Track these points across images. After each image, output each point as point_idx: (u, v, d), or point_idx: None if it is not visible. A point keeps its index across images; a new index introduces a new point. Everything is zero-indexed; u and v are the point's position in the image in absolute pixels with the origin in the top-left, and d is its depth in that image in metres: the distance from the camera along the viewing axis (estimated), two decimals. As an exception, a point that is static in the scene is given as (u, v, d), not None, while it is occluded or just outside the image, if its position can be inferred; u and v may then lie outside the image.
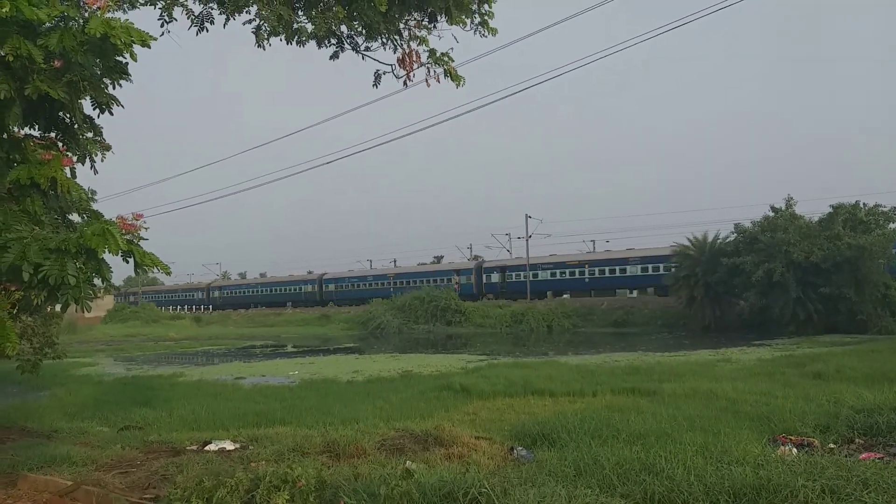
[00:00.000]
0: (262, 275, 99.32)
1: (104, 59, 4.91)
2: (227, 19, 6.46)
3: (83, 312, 5.25)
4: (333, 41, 6.99)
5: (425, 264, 73.70)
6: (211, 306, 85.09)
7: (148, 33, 4.76)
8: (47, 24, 4.65)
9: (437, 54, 6.92)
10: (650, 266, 51.35)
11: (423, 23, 6.99)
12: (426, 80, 7.02)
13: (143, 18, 6.13)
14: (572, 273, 56.62)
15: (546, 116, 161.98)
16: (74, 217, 6.22)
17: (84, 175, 6.31)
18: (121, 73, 5.18)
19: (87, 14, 4.81)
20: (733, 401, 11.07)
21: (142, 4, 6.25)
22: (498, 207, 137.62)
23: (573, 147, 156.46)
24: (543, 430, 8.59)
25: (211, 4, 6.46)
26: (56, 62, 4.80)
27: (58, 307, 6.98)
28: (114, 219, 5.13)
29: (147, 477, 7.01)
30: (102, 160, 5.93)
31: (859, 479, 5.12)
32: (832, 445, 7.70)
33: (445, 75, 6.96)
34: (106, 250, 4.64)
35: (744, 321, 40.86)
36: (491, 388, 14.51)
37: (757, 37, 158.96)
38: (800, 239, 35.59)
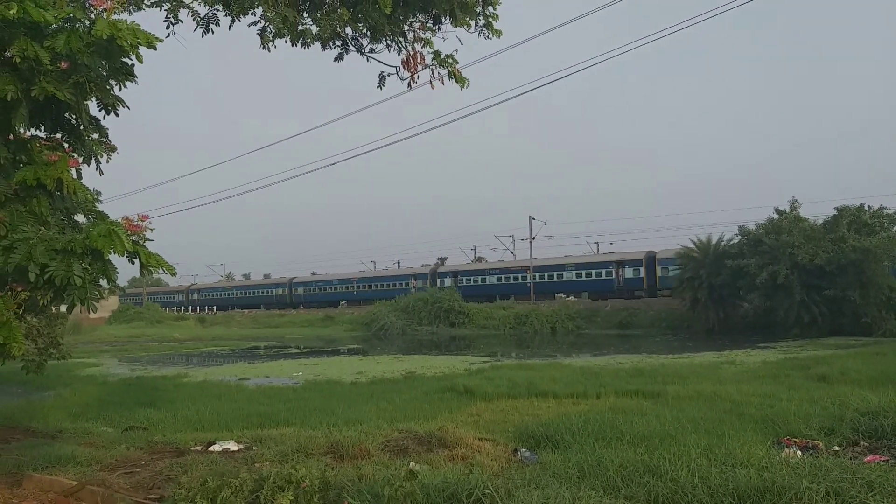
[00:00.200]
0: (246, 276, 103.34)
1: (110, 60, 4.94)
2: (233, 21, 6.49)
3: (88, 313, 5.28)
4: (338, 43, 7.01)
5: (387, 269, 77.38)
6: (189, 308, 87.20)
7: (154, 35, 4.78)
8: (54, 26, 4.67)
9: (442, 56, 6.93)
10: (584, 272, 55.70)
11: (428, 25, 7.00)
12: (430, 82, 7.04)
13: (149, 20, 6.16)
14: (517, 278, 60.04)
15: (548, 116, 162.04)
16: (80, 218, 6.25)
17: (89, 176, 6.33)
18: (127, 74, 5.20)
19: (93, 16, 4.83)
20: (737, 403, 11.05)
21: (147, 6, 6.29)
22: (503, 209, 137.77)
23: (577, 147, 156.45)
24: (547, 432, 8.59)
25: (216, 6, 6.49)
26: (62, 63, 4.83)
27: (63, 308, 7.02)
28: (119, 220, 5.15)
29: (151, 477, 7.02)
30: (108, 161, 5.95)
31: (864, 481, 5.10)
32: (837, 448, 7.67)
33: (450, 77, 6.98)
34: (112, 251, 4.65)
35: (748, 323, 40.75)
36: (494, 389, 14.50)
37: (759, 37, 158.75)
38: (804, 241, 35.49)
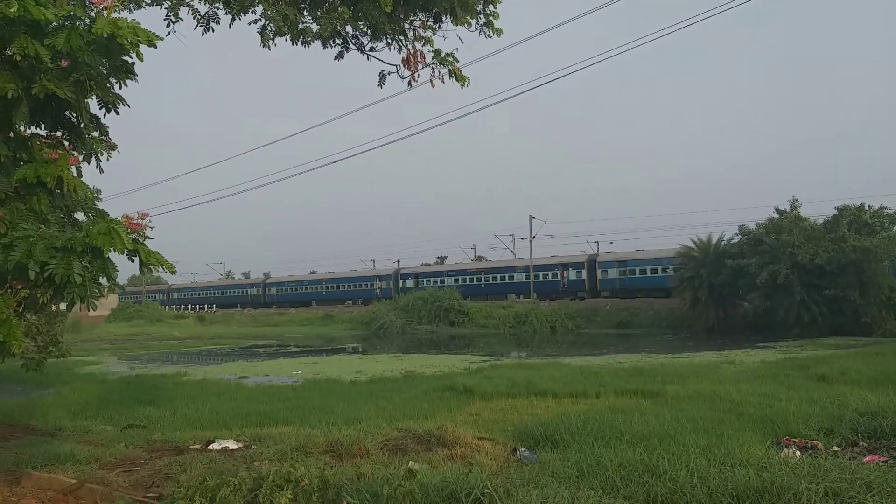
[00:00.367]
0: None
1: (111, 58, 4.92)
2: (233, 19, 6.48)
3: (88, 311, 5.28)
4: (338, 41, 7.01)
5: (355, 271, 79.99)
6: (169, 307, 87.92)
7: (154, 33, 4.78)
8: (54, 24, 4.66)
9: (442, 55, 6.92)
10: (536, 274, 58.60)
11: (428, 23, 6.99)
12: (431, 81, 7.03)
13: (149, 18, 6.15)
14: (471, 279, 63.24)
15: (549, 114, 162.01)
16: (80, 216, 6.25)
17: (89, 174, 6.33)
18: (127, 72, 5.19)
19: (93, 14, 4.83)
20: (737, 403, 11.05)
21: (148, 4, 6.29)
22: (504, 207, 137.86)
23: (577, 146, 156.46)
24: (546, 432, 8.60)
25: (217, 4, 6.49)
26: (63, 62, 4.82)
27: (63, 306, 7.02)
28: (119, 218, 5.15)
29: (150, 475, 7.03)
30: (108, 159, 5.95)
31: (863, 482, 5.11)
32: (836, 448, 7.68)
33: (450, 76, 6.97)
34: (112, 249, 4.65)
35: (748, 323, 40.78)
36: (494, 388, 14.51)
37: (759, 37, 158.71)
38: (804, 241, 35.50)
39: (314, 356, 31.73)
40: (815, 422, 8.80)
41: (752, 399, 11.40)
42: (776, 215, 38.81)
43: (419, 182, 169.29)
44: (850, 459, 6.54)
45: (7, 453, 8.24)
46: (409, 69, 7.07)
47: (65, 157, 5.28)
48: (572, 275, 57.21)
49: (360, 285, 72.79)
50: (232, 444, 8.48)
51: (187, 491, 5.63)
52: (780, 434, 8.40)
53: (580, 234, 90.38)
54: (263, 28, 6.55)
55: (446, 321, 53.87)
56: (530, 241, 60.67)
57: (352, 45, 7.12)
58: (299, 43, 6.69)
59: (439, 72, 6.97)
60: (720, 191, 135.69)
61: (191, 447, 8.53)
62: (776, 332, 35.56)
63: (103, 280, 5.04)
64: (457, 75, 6.92)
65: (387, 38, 7.02)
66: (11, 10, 4.38)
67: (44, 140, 5.57)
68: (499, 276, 61.74)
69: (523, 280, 58.84)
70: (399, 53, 7.11)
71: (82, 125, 5.54)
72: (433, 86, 7.02)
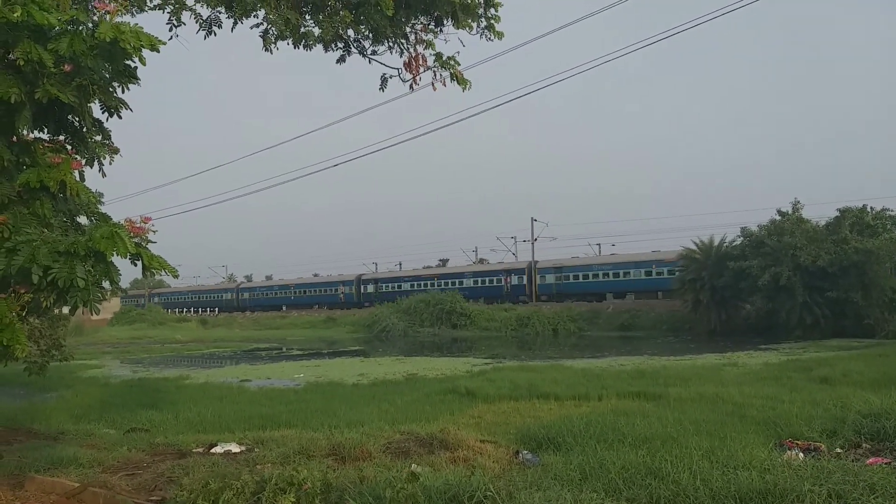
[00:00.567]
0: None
1: (113, 63, 4.94)
2: (235, 23, 6.51)
3: (91, 315, 5.28)
4: (340, 45, 7.03)
5: (321, 276, 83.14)
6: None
7: (157, 38, 4.79)
8: (57, 29, 4.68)
9: (444, 58, 6.94)
10: (479, 279, 62.53)
11: (430, 27, 7.02)
12: (432, 84, 7.05)
13: (152, 22, 6.18)
14: (425, 285, 65.99)
15: (550, 117, 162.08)
16: (83, 220, 6.26)
17: (92, 178, 6.35)
18: (130, 76, 5.20)
19: (96, 18, 4.85)
20: (739, 405, 11.03)
21: (150, 8, 6.31)
22: (506, 209, 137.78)
23: (578, 148, 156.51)
24: (549, 434, 8.59)
25: (219, 9, 6.51)
26: (66, 66, 4.83)
27: (65, 309, 7.03)
28: (122, 222, 5.16)
29: (153, 479, 7.03)
30: (111, 163, 5.97)
31: (866, 483, 5.10)
32: (839, 450, 7.66)
33: (452, 79, 6.99)
34: (114, 253, 4.66)
35: (750, 325, 40.72)
36: (496, 391, 14.50)
37: (760, 37, 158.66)
38: (807, 243, 35.45)
39: (316, 359, 31.73)
40: (817, 424, 8.78)
41: (754, 401, 11.38)
42: (778, 217, 38.78)
43: (421, 184, 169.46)
44: (853, 461, 6.52)
45: (10, 457, 8.24)
46: (410, 72, 7.10)
47: (67, 161, 5.29)
48: (514, 280, 60.38)
49: (325, 290, 76.65)
50: (234, 448, 8.48)
51: (190, 494, 5.64)
52: (782, 436, 8.38)
53: (582, 237, 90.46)
54: (265, 32, 6.58)
55: (448, 324, 53.85)
56: (532, 243, 60.83)
57: (353, 49, 7.15)
58: (301, 46, 6.71)
59: (441, 75, 6.99)
60: (722, 192, 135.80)
61: (193, 450, 8.52)
62: (778, 334, 35.51)
63: (106, 284, 5.06)
64: (458, 78, 6.94)
65: (388, 42, 7.04)
66: (15, 14, 4.40)
67: (47, 144, 5.58)
68: (450, 281, 64.66)
69: (472, 285, 61.95)
70: (401, 57, 7.14)
71: (85, 129, 5.56)
72: (434, 89, 7.05)
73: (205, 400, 15.30)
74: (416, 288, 66.20)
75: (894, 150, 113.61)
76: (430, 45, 7.05)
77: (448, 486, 5.28)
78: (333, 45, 6.92)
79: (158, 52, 4.85)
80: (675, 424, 8.89)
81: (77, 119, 5.47)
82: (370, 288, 72.10)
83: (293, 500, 5.40)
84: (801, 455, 7.13)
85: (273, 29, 6.48)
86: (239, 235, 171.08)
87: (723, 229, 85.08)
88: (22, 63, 4.57)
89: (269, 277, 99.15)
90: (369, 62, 7.21)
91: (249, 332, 63.59)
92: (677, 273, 45.84)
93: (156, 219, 5.31)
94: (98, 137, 5.81)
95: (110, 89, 5.33)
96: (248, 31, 6.67)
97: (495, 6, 6.99)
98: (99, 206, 6.36)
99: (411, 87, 7.28)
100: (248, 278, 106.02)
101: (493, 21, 7.03)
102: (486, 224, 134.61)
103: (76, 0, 5.66)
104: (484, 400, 13.58)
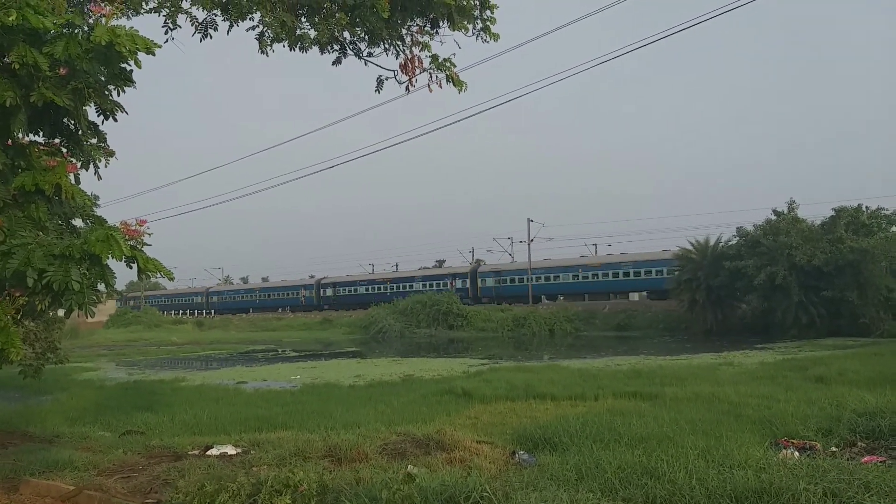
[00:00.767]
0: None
1: (109, 66, 4.93)
2: (231, 26, 6.51)
3: (86, 317, 5.27)
4: (336, 47, 7.03)
5: (287, 280, 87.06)
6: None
7: (152, 41, 4.79)
8: (53, 32, 4.68)
9: (440, 60, 6.95)
10: (428, 283, 65.27)
11: (426, 29, 7.02)
12: (428, 86, 7.06)
13: (147, 25, 6.18)
14: (380, 288, 70.49)
15: (547, 118, 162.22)
16: (78, 223, 6.25)
17: (87, 181, 6.35)
18: (125, 80, 5.20)
19: (92, 21, 4.85)
20: (735, 404, 11.07)
21: (146, 12, 6.31)
22: (503, 210, 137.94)
23: (575, 149, 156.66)
24: (545, 434, 8.60)
25: (214, 11, 6.51)
26: (61, 69, 4.83)
27: (60, 312, 7.02)
28: (117, 224, 5.16)
29: (149, 482, 7.02)
30: (106, 166, 5.96)
31: (861, 482, 5.12)
32: (834, 449, 7.69)
33: (447, 80, 6.99)
34: (110, 256, 4.66)
35: (746, 325, 40.85)
36: (493, 392, 14.50)
37: (758, 38, 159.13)
38: (802, 242, 35.57)
39: (312, 361, 31.69)
40: (813, 423, 8.81)
41: (750, 400, 11.42)
42: (774, 217, 38.90)
43: (418, 185, 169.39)
44: (848, 460, 6.55)
45: (5, 460, 8.22)
46: (406, 74, 7.10)
47: (63, 164, 5.29)
48: (459, 283, 63.78)
49: (288, 294, 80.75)
50: (230, 450, 8.46)
51: (186, 496, 5.64)
52: (778, 435, 8.41)
53: (578, 237, 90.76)
54: (261, 34, 6.58)
55: (445, 325, 53.86)
56: (528, 244, 60.80)
57: (349, 51, 7.15)
58: (297, 49, 6.71)
59: (437, 77, 7.00)
60: (718, 192, 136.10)
61: (189, 453, 8.50)
62: (774, 333, 35.62)
63: (101, 287, 5.06)
64: (454, 80, 6.95)
65: (384, 44, 7.05)
66: (10, 18, 4.40)
67: (42, 147, 5.58)
68: (402, 284, 68.32)
69: (421, 288, 64.74)
70: (396, 59, 7.14)
71: (80, 132, 5.55)
72: (430, 91, 7.06)
73: (201, 402, 15.27)
74: (370, 291, 70.92)
75: (895, 149, 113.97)
76: (425, 46, 7.05)
77: (444, 487, 5.29)
78: (329, 48, 6.92)
79: (154, 55, 4.85)
80: (672, 424, 8.91)
81: (72, 122, 5.47)
82: (329, 291, 76.17)
83: (289, 501, 5.41)
84: (797, 454, 7.15)
85: (269, 31, 6.48)
86: (235, 237, 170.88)
87: (719, 229, 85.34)
88: (17, 66, 4.56)
89: (244, 280, 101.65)
90: (365, 64, 7.22)
91: (245, 333, 63.50)
92: (600, 276, 53.84)
93: (152, 221, 5.33)
94: (93, 140, 5.81)
95: (106, 92, 5.33)
96: (244, 34, 6.67)
97: (491, 8, 7.00)
98: (94, 208, 6.37)
99: (407, 89, 7.28)
100: (244, 280, 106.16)
101: (488, 23, 7.04)
102: (485, 225, 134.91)
103: (72, 3, 5.66)
104: (480, 400, 13.59)
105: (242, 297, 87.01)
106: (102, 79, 5.16)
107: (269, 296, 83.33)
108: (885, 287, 34.67)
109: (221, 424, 11.77)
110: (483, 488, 5.18)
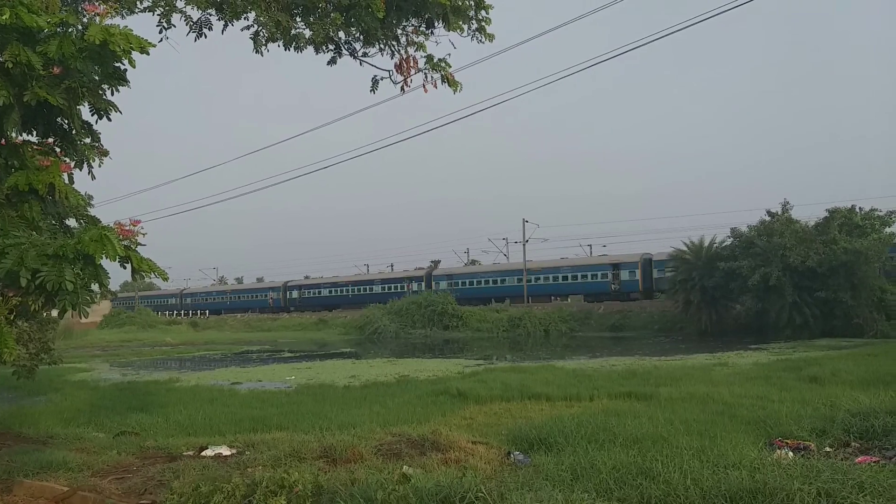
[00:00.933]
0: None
1: (103, 65, 4.92)
2: (226, 25, 6.50)
3: (80, 318, 5.25)
4: (331, 47, 7.03)
5: (253, 283, 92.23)
6: None
7: (146, 40, 4.78)
8: (46, 31, 4.66)
9: (435, 60, 6.96)
10: (386, 286, 68.89)
11: (421, 29, 7.03)
12: (423, 86, 7.06)
13: (141, 24, 6.15)
14: (342, 290, 73.83)
15: (544, 118, 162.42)
16: (72, 222, 6.23)
17: (81, 180, 6.33)
18: (119, 79, 5.18)
19: (86, 20, 4.83)
20: (730, 405, 11.10)
21: (140, 11, 6.29)
22: (499, 210, 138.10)
23: (572, 150, 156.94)
24: (540, 435, 8.60)
25: (209, 11, 6.50)
26: (55, 69, 4.81)
27: (54, 312, 6.99)
28: (111, 224, 5.14)
29: (143, 482, 7.00)
30: (100, 166, 5.95)
31: (855, 482, 5.14)
32: (828, 449, 7.73)
33: (443, 81, 7.00)
34: (104, 256, 4.64)
35: (740, 325, 40.99)
36: (488, 392, 14.50)
37: (755, 39, 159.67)
38: (796, 243, 35.71)
39: (307, 361, 31.60)
40: (807, 423, 8.85)
41: (744, 401, 11.45)
42: (768, 218, 39.05)
43: (414, 185, 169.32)
44: (842, 460, 6.58)
45: (-2, 461, 8.18)
46: (401, 74, 7.11)
47: (56, 163, 5.27)
48: (415, 286, 65.88)
49: (256, 296, 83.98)
50: (225, 451, 8.45)
51: (180, 497, 5.62)
52: (772, 435, 8.44)
53: (574, 238, 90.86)
54: (256, 34, 6.57)
55: (440, 325, 53.87)
56: (523, 244, 60.94)
57: (344, 51, 7.15)
58: (292, 48, 6.71)
59: (432, 77, 7.01)
60: (713, 194, 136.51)
61: (184, 454, 8.48)
62: (768, 333, 35.75)
63: (95, 287, 5.03)
64: (449, 80, 6.96)
65: (379, 44, 7.05)
66: (3, 17, 4.38)
67: (35, 147, 5.56)
68: (362, 287, 71.65)
69: (379, 291, 68.24)
70: (392, 59, 7.14)
71: (74, 132, 5.53)
72: (426, 91, 7.07)
73: (195, 403, 15.21)
74: (333, 294, 74.25)
75: (894, 150, 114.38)
76: (421, 47, 7.06)
77: (439, 488, 5.29)
78: (324, 47, 6.92)
79: (148, 54, 4.84)
80: (666, 424, 8.93)
81: (66, 121, 5.45)
82: (294, 294, 78.98)
83: (284, 502, 5.40)
84: (791, 454, 7.17)
85: (264, 31, 6.47)
86: (232, 237, 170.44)
87: (714, 230, 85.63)
88: (10, 65, 4.55)
89: (222, 282, 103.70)
90: (360, 64, 7.22)
91: (240, 334, 63.34)
92: (541, 279, 56.89)
93: (146, 220, 5.31)
94: (87, 140, 5.79)
95: (99, 92, 5.31)
96: (238, 33, 6.66)
97: (486, 8, 7.01)
98: (88, 208, 6.35)
99: (402, 88, 7.29)
100: (240, 280, 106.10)
101: (483, 23, 7.05)
102: (480, 225, 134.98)
103: (66, 2, 5.64)
104: (475, 401, 13.59)
105: (214, 298, 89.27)
106: (96, 78, 5.15)
107: (239, 297, 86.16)
108: (878, 288, 34.87)
109: (216, 425, 11.73)
110: (478, 489, 5.17)
